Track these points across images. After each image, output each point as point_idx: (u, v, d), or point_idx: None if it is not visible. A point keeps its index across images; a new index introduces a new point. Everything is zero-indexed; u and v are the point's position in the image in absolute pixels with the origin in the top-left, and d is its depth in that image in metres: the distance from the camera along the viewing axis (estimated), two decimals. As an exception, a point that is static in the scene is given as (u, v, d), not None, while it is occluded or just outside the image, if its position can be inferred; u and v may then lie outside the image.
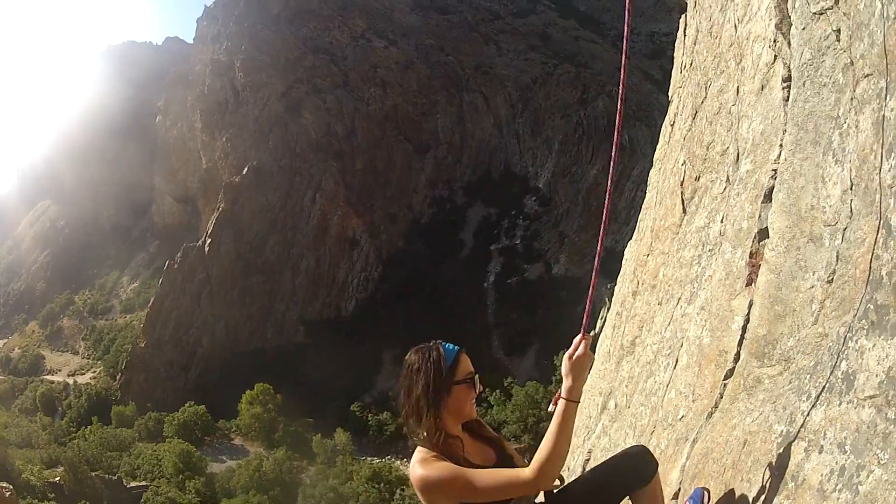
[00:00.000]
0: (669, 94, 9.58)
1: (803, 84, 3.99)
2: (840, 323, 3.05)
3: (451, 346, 3.81)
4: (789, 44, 4.42)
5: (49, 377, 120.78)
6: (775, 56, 4.65)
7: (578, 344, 3.63)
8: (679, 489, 4.30)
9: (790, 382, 3.41)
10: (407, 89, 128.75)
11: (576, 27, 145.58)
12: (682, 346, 5.51)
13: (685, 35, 8.91)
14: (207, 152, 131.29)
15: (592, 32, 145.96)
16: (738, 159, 5.32)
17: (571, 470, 8.02)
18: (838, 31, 3.60)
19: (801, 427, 3.00)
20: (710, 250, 5.55)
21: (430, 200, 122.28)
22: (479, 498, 3.43)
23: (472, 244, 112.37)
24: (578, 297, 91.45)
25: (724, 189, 5.56)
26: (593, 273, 4.38)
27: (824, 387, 2.91)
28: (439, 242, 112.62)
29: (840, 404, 2.73)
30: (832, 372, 2.88)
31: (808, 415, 2.97)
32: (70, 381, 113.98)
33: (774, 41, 4.65)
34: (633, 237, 9.79)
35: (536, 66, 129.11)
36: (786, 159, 4.06)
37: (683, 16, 9.23)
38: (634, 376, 6.99)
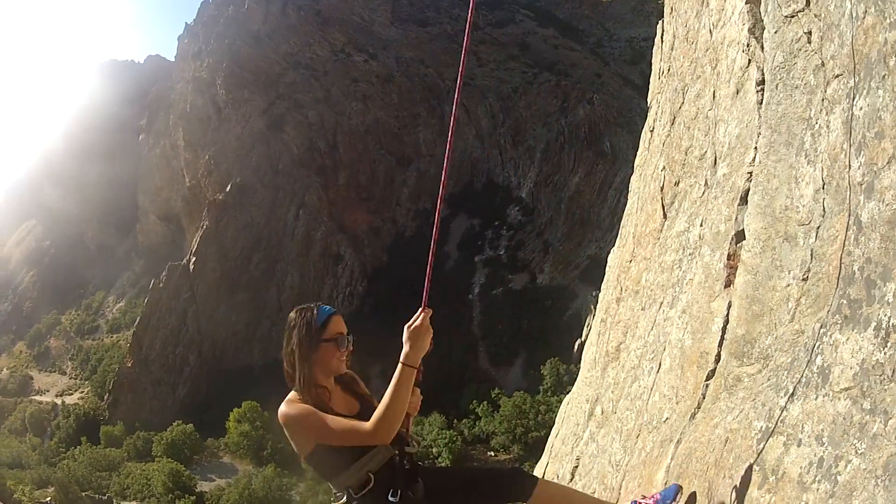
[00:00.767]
0: (649, 99, 9.64)
1: (776, 87, 4.04)
2: (815, 319, 3.09)
3: (327, 308, 4.22)
4: (762, 47, 4.48)
5: (37, 397, 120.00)
6: (749, 60, 4.71)
7: (419, 316, 4.14)
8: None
9: (768, 379, 3.45)
10: (388, 103, 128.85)
11: (555, 36, 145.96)
12: (664, 349, 5.55)
13: (663, 41, 8.98)
14: (191, 170, 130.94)
15: (571, 40, 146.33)
16: (715, 163, 5.37)
17: (560, 477, 8.04)
18: (809, 33, 3.66)
19: (779, 422, 3.04)
20: (690, 254, 5.59)
21: (414, 213, 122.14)
22: (327, 438, 3.87)
23: (456, 256, 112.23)
24: (564, 306, 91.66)
25: (703, 193, 5.60)
26: (430, 251, 4.86)
27: (800, 381, 2.96)
28: (423, 255, 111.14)
29: (816, 398, 2.77)
30: (808, 367, 2.92)
31: (785, 410, 3.01)
32: (58, 401, 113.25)
33: (748, 45, 4.71)
34: (616, 244, 9.83)
35: (516, 75, 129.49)
36: (760, 161, 4.11)
37: (661, 21, 9.30)
38: (620, 382, 7.02)
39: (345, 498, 3.99)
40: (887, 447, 2.30)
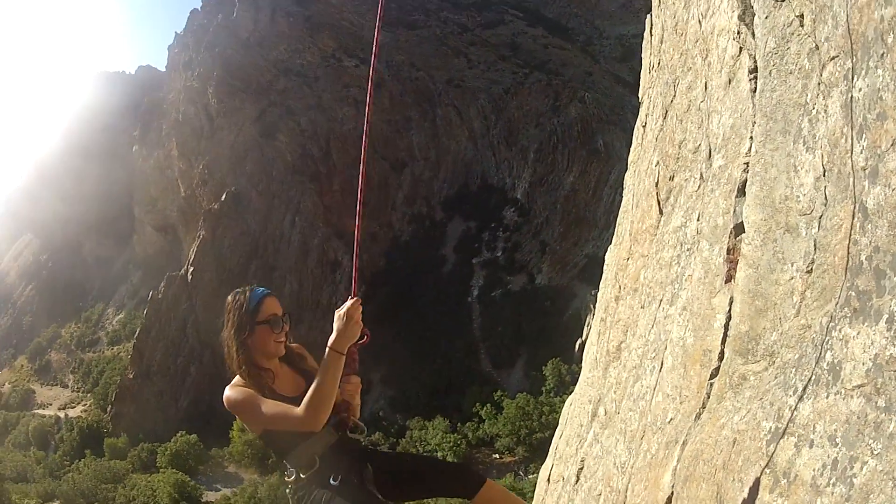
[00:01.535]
0: (640, 95, 9.58)
1: (769, 73, 3.95)
2: (822, 313, 2.99)
3: (261, 289, 4.23)
4: (753, 34, 4.39)
5: (40, 411, 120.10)
6: (740, 48, 4.62)
7: (347, 302, 4.17)
8: (672, 493, 4.23)
9: (776, 377, 3.36)
10: (380, 107, 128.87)
11: (544, 35, 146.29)
12: (666, 348, 5.46)
13: (651, 35, 8.91)
14: (185, 180, 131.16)
15: (561, 39, 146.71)
16: (710, 155, 5.28)
17: (566, 479, 7.97)
18: (801, 15, 3.56)
19: (789, 422, 2.94)
20: (688, 249, 5.51)
21: (409, 217, 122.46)
22: (264, 421, 3.97)
23: (453, 259, 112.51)
24: (563, 306, 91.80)
25: (699, 187, 5.52)
26: (355, 241, 5.13)
27: (810, 379, 2.86)
28: (421, 259, 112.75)
29: (828, 396, 2.67)
30: (817, 363, 2.82)
31: (795, 409, 2.91)
32: (61, 414, 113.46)
33: (738, 33, 4.62)
34: (613, 242, 9.75)
35: (507, 76, 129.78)
36: (757, 151, 4.02)
37: (649, 15, 9.23)
38: (622, 382, 6.94)
39: (294, 476, 4.05)
40: (905, 447, 2.20)
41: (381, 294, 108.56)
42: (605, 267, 10.05)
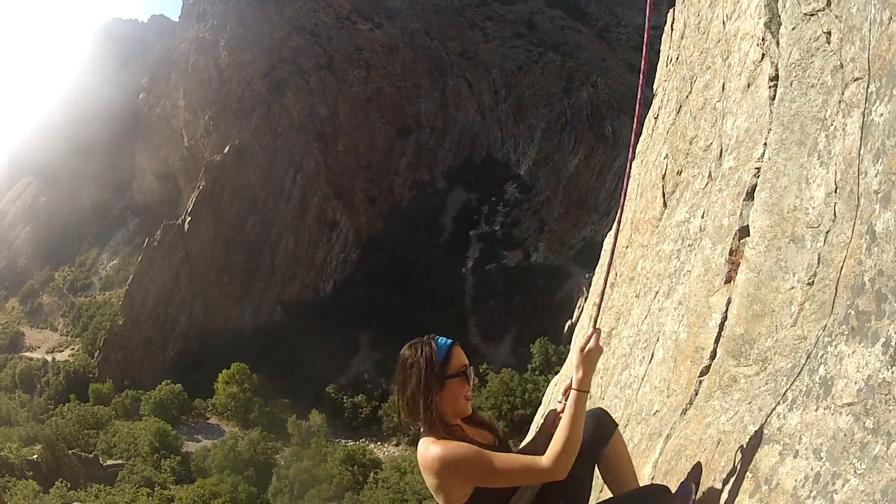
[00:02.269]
0: (654, 87, 9.57)
1: (790, 84, 3.97)
2: (819, 326, 3.04)
3: (444, 339, 3.77)
4: (778, 43, 4.41)
5: (28, 354, 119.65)
6: (763, 54, 4.64)
7: (590, 337, 3.63)
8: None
9: (766, 384, 3.40)
10: (391, 72, 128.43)
11: (562, 17, 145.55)
12: (658, 340, 5.51)
13: (672, 29, 8.89)
14: (190, 130, 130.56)
15: (579, 22, 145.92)
16: (721, 155, 5.31)
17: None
18: (829, 33, 3.58)
19: (776, 430, 2.98)
20: (689, 245, 5.55)
21: (411, 184, 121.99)
22: (495, 479, 3.48)
23: (451, 229, 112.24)
24: (556, 286, 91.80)
25: (706, 184, 5.55)
26: (606, 274, 4.38)
27: (801, 390, 2.90)
28: (419, 226, 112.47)
29: (817, 409, 2.71)
30: (810, 376, 2.86)
31: (784, 418, 2.96)
32: (49, 357, 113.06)
33: (763, 39, 4.64)
34: (613, 228, 9.78)
35: (521, 53, 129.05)
36: (769, 158, 4.05)
37: (672, 9, 9.21)
38: (609, 368, 6.99)
39: None
40: (888, 471, 2.24)
41: (375, 257, 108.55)
42: (602, 252, 10.09)
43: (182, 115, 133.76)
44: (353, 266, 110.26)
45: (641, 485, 4.06)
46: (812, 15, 3.80)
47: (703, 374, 4.32)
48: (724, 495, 3.25)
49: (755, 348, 3.71)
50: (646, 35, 3.97)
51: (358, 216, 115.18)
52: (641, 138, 9.57)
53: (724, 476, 3.34)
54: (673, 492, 3.75)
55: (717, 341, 4.22)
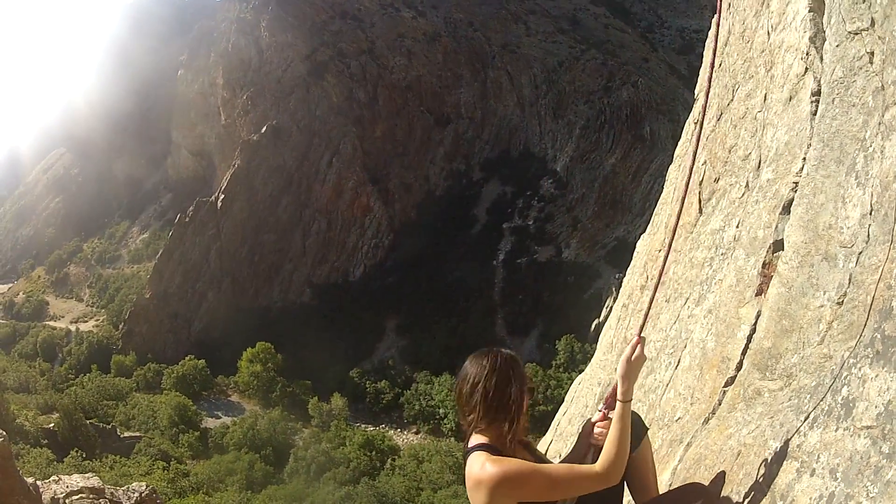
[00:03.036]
0: (696, 91, 9.53)
1: (832, 101, 3.95)
2: (845, 347, 3.04)
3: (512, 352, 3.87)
4: (821, 59, 4.39)
5: (52, 323, 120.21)
6: (806, 68, 4.62)
7: (635, 346, 3.73)
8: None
9: (790, 399, 3.41)
10: (432, 61, 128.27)
11: (606, 15, 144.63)
12: (685, 347, 5.51)
13: (717, 35, 8.85)
14: (227, 109, 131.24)
15: (622, 21, 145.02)
16: (759, 166, 5.29)
17: (563, 457, 8.03)
18: (872, 53, 3.56)
19: (795, 447, 3.00)
20: (722, 254, 5.54)
21: (447, 173, 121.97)
22: (553, 493, 3.52)
23: (484, 220, 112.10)
24: (586, 284, 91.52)
25: (743, 194, 5.53)
26: (657, 281, 4.37)
27: (823, 409, 2.91)
28: (452, 216, 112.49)
29: (837, 430, 2.73)
30: (832, 395, 2.87)
31: (804, 435, 2.97)
32: (72, 327, 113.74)
33: (807, 54, 4.62)
34: (647, 231, 9.76)
35: (564, 49, 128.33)
36: (808, 174, 4.04)
37: (716, 16, 9.17)
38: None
39: None
40: (899, 497, 2.25)
41: (407, 244, 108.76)
42: (635, 254, 10.05)
43: (220, 93, 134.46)
44: (385, 252, 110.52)
45: (661, 491, 4.09)
46: (856, 34, 3.78)
47: (727, 384, 4.32)
48: (741, 508, 3.27)
49: (781, 363, 3.71)
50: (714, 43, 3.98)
51: (392, 203, 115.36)
52: (681, 142, 9.55)
53: (742, 489, 3.35)
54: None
55: (744, 353, 4.22)
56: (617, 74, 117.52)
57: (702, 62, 9.61)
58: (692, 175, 5.30)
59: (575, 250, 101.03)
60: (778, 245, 4.19)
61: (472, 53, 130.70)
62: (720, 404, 4.34)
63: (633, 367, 3.68)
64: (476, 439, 3.68)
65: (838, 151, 3.72)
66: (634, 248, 10.15)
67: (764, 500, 3.06)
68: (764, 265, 4.30)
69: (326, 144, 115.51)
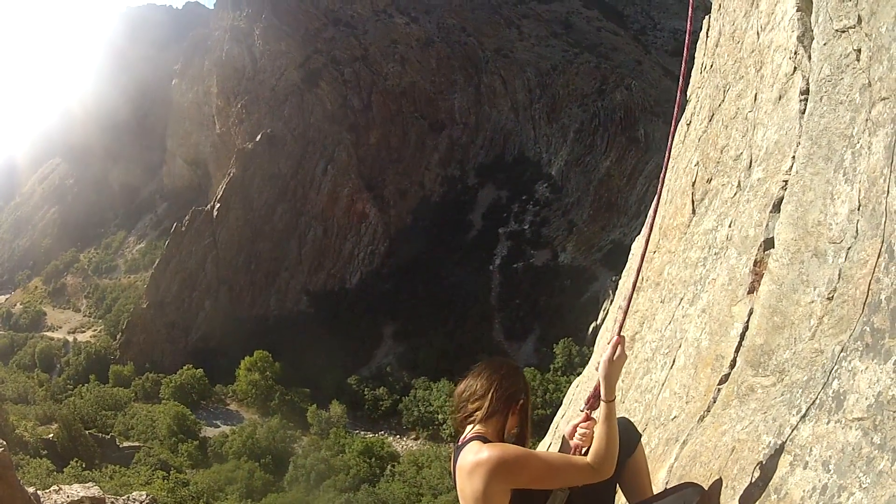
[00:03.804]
0: (688, 93, 9.56)
1: (820, 99, 3.98)
2: (836, 341, 3.06)
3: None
4: (809, 57, 4.42)
5: (49, 334, 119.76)
6: (795, 68, 4.65)
7: (616, 346, 3.77)
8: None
9: (782, 394, 3.43)
10: (426, 67, 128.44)
11: (598, 18, 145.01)
12: (680, 346, 5.53)
13: (707, 36, 8.89)
14: (222, 117, 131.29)
15: (615, 24, 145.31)
16: (750, 166, 5.32)
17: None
18: (859, 50, 3.59)
19: (788, 440, 3.02)
20: (715, 254, 5.57)
21: (442, 179, 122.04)
22: (546, 478, 3.64)
23: (480, 226, 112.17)
24: (583, 287, 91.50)
25: (735, 194, 5.56)
26: (633, 283, 4.51)
27: (815, 403, 2.93)
28: (448, 222, 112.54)
29: (828, 422, 2.75)
30: (824, 389, 2.90)
31: (796, 429, 2.99)
32: (70, 338, 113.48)
33: (795, 53, 4.65)
34: (642, 233, 9.78)
35: (557, 53, 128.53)
36: (797, 172, 4.07)
37: (707, 16, 9.22)
38: (631, 372, 7.02)
39: None
40: (891, 486, 2.28)
41: (403, 251, 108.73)
42: (630, 256, 10.08)
43: (214, 101, 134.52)
44: (381, 259, 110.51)
45: (656, 491, 4.13)
46: (843, 31, 3.81)
47: (721, 382, 4.35)
48: (735, 502, 3.29)
49: (773, 359, 3.74)
50: (687, 40, 4.03)
51: (387, 209, 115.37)
52: (673, 144, 9.57)
53: (736, 484, 3.38)
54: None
55: (737, 350, 4.25)
56: (610, 77, 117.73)
57: (694, 63, 9.64)
58: (663, 187, 5.35)
59: (571, 254, 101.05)
60: (769, 243, 4.22)
61: (466, 59, 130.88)
62: (715, 402, 4.36)
63: (614, 368, 3.74)
64: (473, 433, 3.79)
65: (826, 149, 3.75)
66: (630, 250, 10.17)
67: (758, 494, 3.09)
68: (755, 263, 4.33)
69: (321, 152, 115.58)
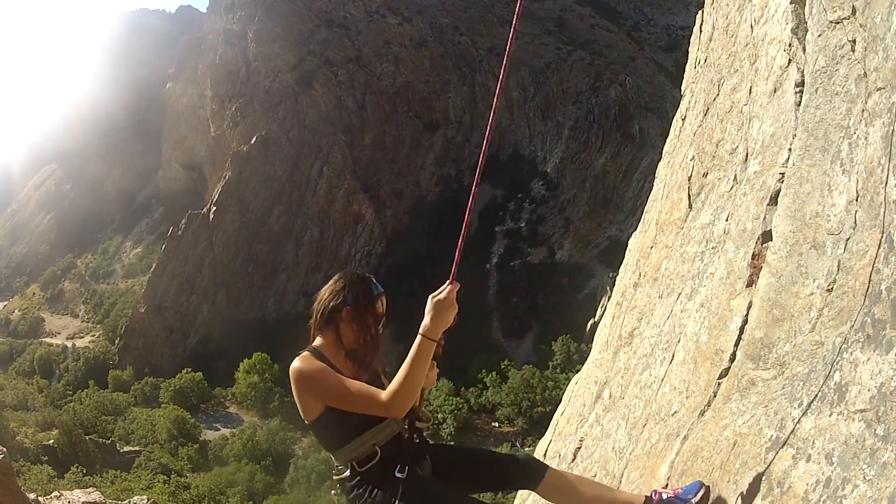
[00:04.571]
0: (683, 88, 9.55)
1: (816, 90, 3.97)
2: (836, 333, 3.05)
3: (378, 285, 4.12)
4: (804, 49, 4.41)
5: (48, 340, 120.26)
6: (789, 60, 4.64)
7: (445, 288, 3.90)
8: (666, 485, 4.31)
9: (783, 388, 3.42)
10: (419, 67, 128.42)
11: (592, 15, 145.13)
12: (679, 341, 5.52)
13: (701, 31, 8.88)
14: (216, 120, 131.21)
15: (608, 21, 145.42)
16: (746, 159, 5.31)
17: (562, 456, 8.05)
18: (853, 41, 3.58)
19: (790, 434, 3.01)
20: (713, 248, 5.55)
21: (437, 179, 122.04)
22: (339, 399, 3.72)
23: (476, 224, 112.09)
24: (581, 284, 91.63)
25: (731, 188, 5.55)
26: (464, 221, 4.45)
27: (816, 395, 2.92)
28: (444, 221, 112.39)
29: (830, 415, 2.74)
30: (825, 381, 2.88)
31: (798, 422, 2.98)
32: (69, 344, 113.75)
33: (790, 45, 4.64)
34: (638, 228, 9.76)
35: (550, 50, 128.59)
36: (794, 164, 4.05)
37: (701, 11, 9.21)
38: (630, 368, 7.00)
39: (347, 472, 3.84)
40: (895, 478, 2.27)
41: (400, 251, 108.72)
42: (627, 252, 10.06)
43: (209, 105, 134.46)
44: (378, 259, 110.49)
45: (655, 487, 4.13)
46: (837, 23, 3.80)
47: (722, 376, 4.33)
48: (738, 497, 3.28)
49: (774, 352, 3.72)
50: (506, 59, 4.03)
51: (384, 209, 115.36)
52: (669, 139, 9.56)
53: (739, 478, 3.37)
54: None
55: (736, 344, 4.23)
56: (604, 74, 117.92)
57: (688, 59, 9.63)
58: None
59: (568, 251, 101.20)
60: (766, 236, 4.21)
61: (459, 58, 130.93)
62: (715, 396, 4.34)
63: (436, 305, 3.80)
64: (313, 344, 3.99)
65: (823, 140, 3.73)
66: (627, 246, 10.16)
67: (761, 487, 3.07)
68: (753, 256, 4.31)
69: (316, 153, 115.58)
